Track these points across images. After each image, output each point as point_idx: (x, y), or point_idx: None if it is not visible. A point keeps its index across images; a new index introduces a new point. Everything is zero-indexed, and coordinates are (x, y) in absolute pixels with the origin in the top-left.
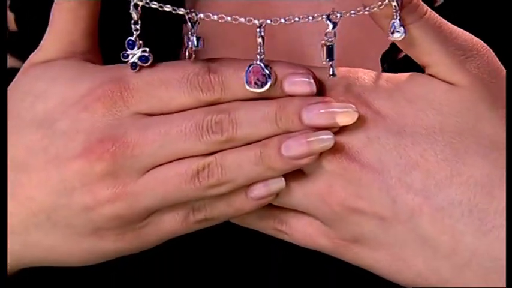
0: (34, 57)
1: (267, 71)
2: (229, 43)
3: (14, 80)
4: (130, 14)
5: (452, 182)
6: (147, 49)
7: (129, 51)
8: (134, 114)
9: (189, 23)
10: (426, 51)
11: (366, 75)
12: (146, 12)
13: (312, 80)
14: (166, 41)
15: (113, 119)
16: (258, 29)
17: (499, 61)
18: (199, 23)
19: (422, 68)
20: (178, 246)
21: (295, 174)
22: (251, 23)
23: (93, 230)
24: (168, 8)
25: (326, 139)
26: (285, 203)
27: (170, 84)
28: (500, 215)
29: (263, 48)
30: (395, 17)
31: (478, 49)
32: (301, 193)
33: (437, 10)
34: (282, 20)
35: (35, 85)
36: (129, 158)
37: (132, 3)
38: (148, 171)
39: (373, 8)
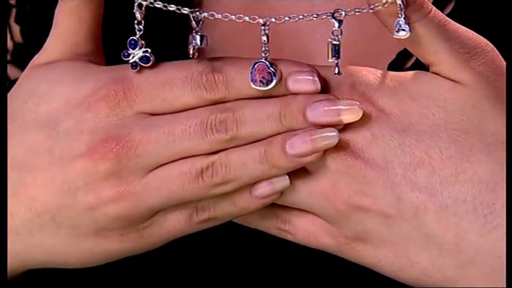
0: (37, 59)
1: (272, 69)
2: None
3: (17, 82)
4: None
5: (457, 180)
6: (149, 50)
7: (130, 51)
8: (138, 114)
9: (193, 22)
10: (431, 49)
11: (370, 74)
12: (151, 12)
13: (317, 78)
14: (171, 41)
15: (116, 119)
16: (263, 27)
17: (503, 59)
18: (203, 22)
19: (427, 67)
20: (181, 246)
21: (299, 173)
22: (255, 22)
23: (97, 230)
24: (172, 7)
25: (330, 136)
26: (289, 201)
27: (174, 84)
28: (506, 211)
29: (268, 46)
30: (400, 15)
31: (483, 47)
32: (305, 191)
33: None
34: (287, 18)
35: (39, 87)
36: (132, 157)
37: (136, 3)
38: (152, 170)
39: (378, 6)
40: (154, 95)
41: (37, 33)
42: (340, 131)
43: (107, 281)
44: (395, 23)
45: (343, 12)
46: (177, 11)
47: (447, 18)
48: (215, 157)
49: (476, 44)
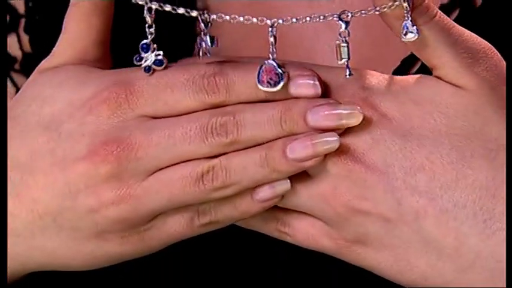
0: (45, 63)
1: (280, 71)
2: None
3: (23, 87)
4: (140, 18)
5: (457, 185)
6: (161, 52)
7: (143, 55)
8: (139, 117)
9: (202, 24)
10: (435, 53)
11: (372, 77)
12: (159, 16)
13: (317, 82)
14: (180, 44)
15: (118, 122)
16: (270, 29)
17: (505, 65)
18: (211, 24)
19: (431, 70)
20: (182, 248)
21: (300, 176)
22: (263, 23)
23: (98, 232)
24: (181, 10)
25: (331, 141)
26: (290, 204)
27: (175, 87)
28: (505, 217)
29: (275, 48)
30: (406, 18)
31: (487, 52)
32: (306, 195)
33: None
34: (294, 20)
35: (43, 90)
36: (133, 160)
37: (146, 7)
38: (153, 173)
39: (384, 8)
40: (156, 98)
41: (46, 42)
42: (341, 134)
43: (109, 284)
44: (403, 25)
45: (349, 14)
46: (186, 14)
47: (452, 22)
48: (216, 161)
49: (481, 49)
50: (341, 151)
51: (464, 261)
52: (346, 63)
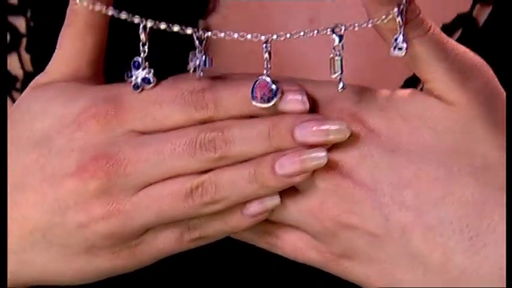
0: (38, 80)
1: (274, 87)
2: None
3: (16, 101)
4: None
5: (444, 201)
6: (152, 70)
7: (133, 72)
8: (128, 132)
9: (197, 42)
10: (428, 67)
11: (362, 92)
12: (155, 33)
13: (305, 98)
14: (174, 60)
15: (106, 137)
16: (264, 45)
17: (498, 82)
18: (206, 41)
19: (423, 83)
20: (174, 261)
21: (288, 191)
22: (257, 39)
23: (88, 248)
24: (176, 28)
25: (320, 157)
26: (279, 218)
27: (164, 103)
28: (491, 234)
29: (270, 63)
30: (399, 32)
31: (479, 68)
32: (295, 209)
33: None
34: (288, 35)
35: (33, 105)
36: (122, 176)
37: (141, 25)
38: (142, 189)
39: (377, 21)
40: (145, 114)
41: (48, 62)
42: (329, 150)
43: None
44: (393, 39)
45: (342, 27)
46: (181, 31)
47: (446, 36)
48: (205, 177)
49: (474, 65)
50: (329, 166)
51: (450, 276)
52: (339, 76)
